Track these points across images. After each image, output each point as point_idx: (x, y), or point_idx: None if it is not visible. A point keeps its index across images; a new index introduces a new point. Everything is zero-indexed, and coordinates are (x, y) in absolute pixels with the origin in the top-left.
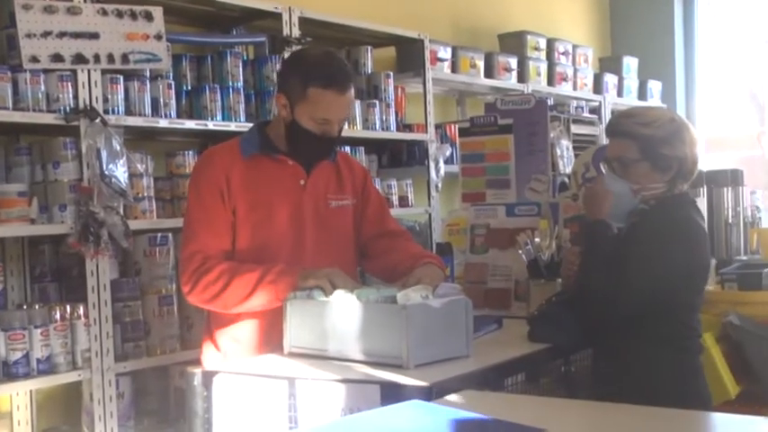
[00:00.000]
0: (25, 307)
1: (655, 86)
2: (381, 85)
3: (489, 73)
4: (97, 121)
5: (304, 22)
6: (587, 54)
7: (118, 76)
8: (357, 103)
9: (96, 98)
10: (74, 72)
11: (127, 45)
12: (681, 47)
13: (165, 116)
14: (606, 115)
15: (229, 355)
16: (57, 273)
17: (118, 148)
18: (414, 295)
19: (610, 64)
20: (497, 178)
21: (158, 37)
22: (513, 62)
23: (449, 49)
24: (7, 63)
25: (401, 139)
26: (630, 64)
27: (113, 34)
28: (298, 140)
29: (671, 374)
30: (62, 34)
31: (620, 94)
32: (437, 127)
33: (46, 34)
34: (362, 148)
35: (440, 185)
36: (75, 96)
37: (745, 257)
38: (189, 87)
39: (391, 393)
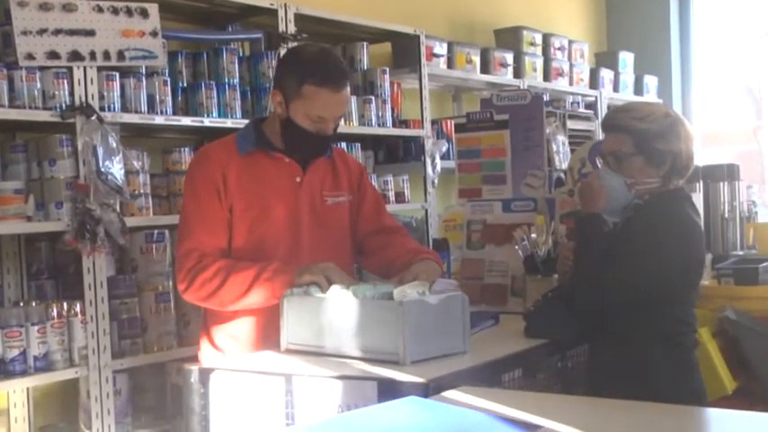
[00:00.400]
0: (22, 304)
1: (651, 81)
2: (377, 81)
3: (485, 68)
4: (93, 118)
5: (300, 19)
6: (583, 49)
7: (114, 73)
8: (353, 99)
9: (92, 95)
10: (70, 69)
11: (123, 42)
12: (677, 42)
13: (161, 113)
14: (602, 110)
15: (226, 352)
16: (53, 270)
17: (114, 145)
18: (410, 291)
19: (606, 59)
20: (493, 174)
21: (154, 34)
22: (510, 57)
23: (444, 45)
24: (3, 60)
25: (397, 134)
26: (626, 59)
27: (109, 31)
28: (293, 138)
29: (666, 370)
30: (58, 31)
31: (616, 89)
32: (433, 123)
33: (42, 31)
34: (359, 144)
35: (436, 181)
36: (71, 93)
37: (741, 252)
38: (185, 84)
39: (388, 390)
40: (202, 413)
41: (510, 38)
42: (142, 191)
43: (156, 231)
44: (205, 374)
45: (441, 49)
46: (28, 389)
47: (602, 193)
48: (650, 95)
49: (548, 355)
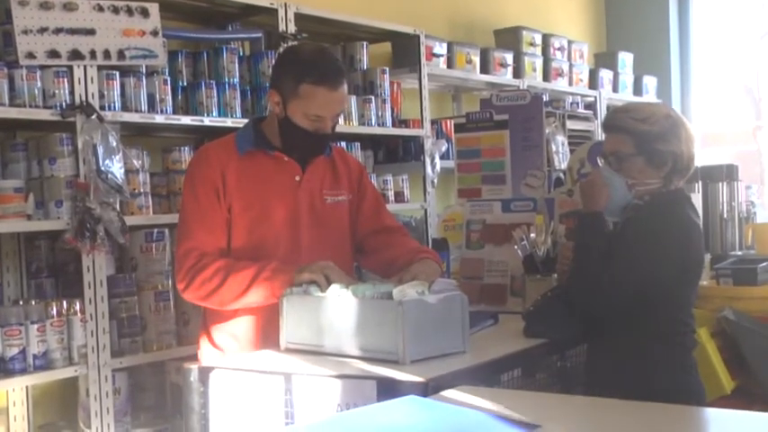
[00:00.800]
0: (21, 303)
1: (650, 82)
2: (377, 81)
3: (485, 68)
4: (93, 117)
5: (300, 18)
6: (582, 50)
7: (114, 72)
8: (353, 99)
9: (92, 94)
10: (70, 68)
11: (123, 41)
12: (676, 42)
13: (162, 112)
14: (601, 111)
15: (226, 351)
16: (53, 269)
17: (114, 144)
18: (410, 291)
19: (605, 59)
20: (493, 174)
21: (154, 33)
22: (509, 58)
23: (444, 45)
24: (3, 59)
25: (397, 134)
26: (626, 59)
27: (109, 30)
28: (291, 137)
29: (665, 370)
30: (58, 30)
31: (615, 89)
32: (433, 122)
33: (42, 30)
34: (358, 144)
35: (435, 181)
36: (72, 92)
37: (740, 252)
38: (185, 83)
39: (387, 389)
40: (202, 412)
41: (510, 38)
42: (142, 190)
43: (155, 230)
44: (205, 373)
45: (440, 48)
46: (27, 387)
47: (604, 192)
48: (649, 96)
49: (547, 355)
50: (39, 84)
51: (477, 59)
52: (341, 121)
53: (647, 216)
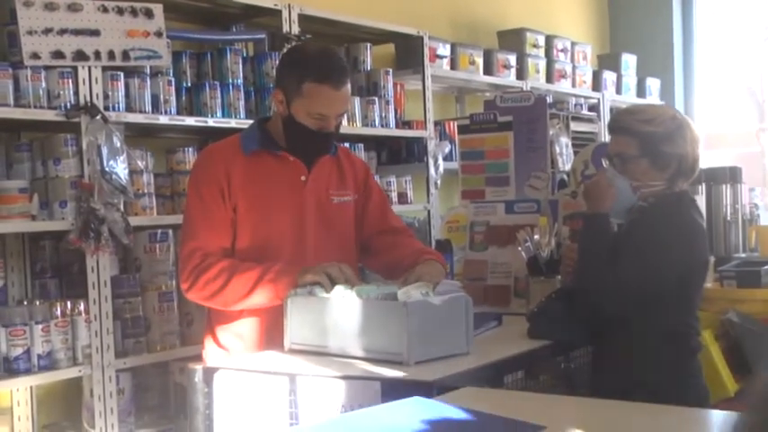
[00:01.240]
0: (26, 303)
1: (653, 84)
2: (381, 82)
3: (488, 70)
4: (98, 117)
5: (303, 19)
6: (586, 51)
7: (118, 72)
8: (356, 100)
9: (97, 95)
10: (74, 69)
11: (127, 42)
12: (679, 44)
13: (166, 113)
14: (605, 112)
15: (231, 352)
16: (57, 269)
17: (118, 144)
18: (414, 292)
19: (608, 61)
20: (497, 175)
21: (159, 34)
22: (512, 59)
23: (448, 46)
24: (8, 60)
25: (400, 135)
26: (629, 61)
27: (114, 31)
28: (295, 136)
29: (669, 372)
30: (63, 31)
31: (618, 91)
32: (436, 124)
33: (47, 31)
34: (362, 145)
35: (439, 182)
36: (76, 93)
37: (743, 255)
38: (189, 84)
39: (392, 390)
40: (206, 412)
41: (513, 39)
42: (146, 190)
43: (159, 231)
44: (209, 374)
45: (444, 50)
46: (31, 387)
47: (609, 193)
48: (653, 98)
49: (551, 357)
50: (43, 84)
51: (480, 61)
52: (344, 122)
53: (652, 218)
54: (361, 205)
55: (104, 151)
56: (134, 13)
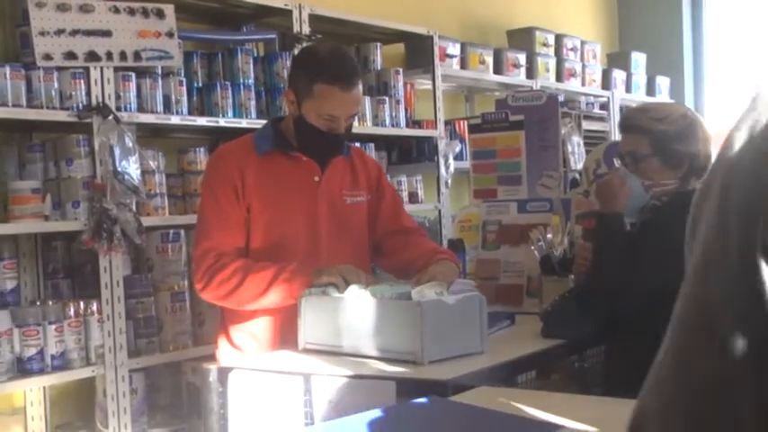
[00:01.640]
0: (39, 303)
1: (663, 82)
2: (391, 82)
3: (498, 69)
4: (110, 118)
5: (314, 19)
6: (595, 50)
7: (130, 73)
8: (367, 100)
9: (109, 95)
10: (86, 69)
11: (139, 42)
12: (689, 42)
13: (177, 113)
14: (615, 111)
15: (245, 351)
16: (69, 269)
17: (130, 145)
18: (428, 292)
19: (618, 60)
20: (509, 174)
21: (170, 34)
22: (522, 58)
23: (458, 46)
24: (21, 61)
25: (411, 135)
26: (638, 60)
27: (126, 32)
28: (306, 137)
29: None
30: (75, 32)
31: (628, 89)
32: (446, 123)
33: (59, 32)
34: (372, 145)
35: (449, 182)
36: (88, 93)
37: None
38: (200, 84)
39: (406, 390)
40: (221, 412)
41: (523, 38)
42: (158, 191)
43: (171, 231)
44: (224, 373)
45: (454, 49)
46: (45, 387)
47: (623, 192)
48: (662, 96)
49: (565, 356)
50: (56, 85)
51: (490, 60)
52: (355, 122)
53: (667, 217)
54: (374, 205)
55: (117, 152)
56: (145, 13)
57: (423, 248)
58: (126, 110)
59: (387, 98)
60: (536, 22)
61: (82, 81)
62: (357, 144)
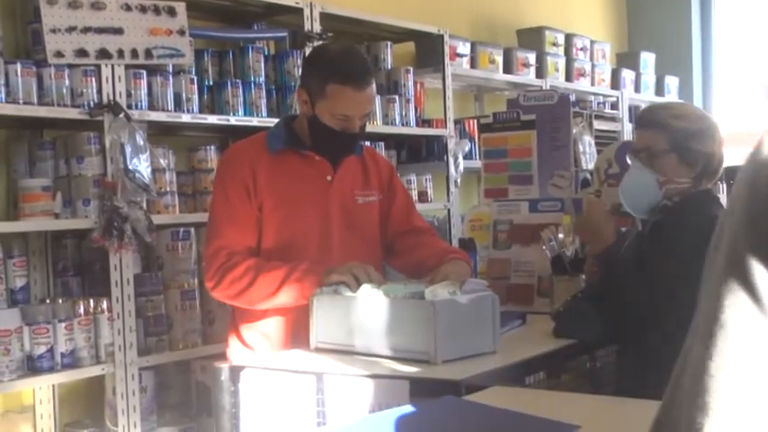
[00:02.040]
0: (48, 301)
1: (672, 82)
2: (401, 81)
3: (508, 68)
4: (121, 115)
5: (325, 18)
6: (605, 50)
7: (141, 71)
8: (377, 99)
9: (120, 93)
10: (98, 67)
11: (150, 40)
12: (698, 42)
13: (188, 111)
14: (624, 111)
15: (256, 350)
16: (79, 267)
17: (141, 142)
18: (441, 291)
19: (627, 59)
20: (520, 174)
21: (181, 32)
22: (532, 58)
23: (468, 45)
24: (32, 58)
25: (421, 134)
26: (648, 59)
27: (137, 29)
28: (320, 136)
29: None
30: (86, 29)
31: (637, 89)
32: (456, 122)
33: (70, 29)
34: (382, 144)
35: (459, 181)
36: (99, 91)
37: None
38: (211, 82)
39: (420, 389)
40: (233, 411)
41: (532, 38)
42: (168, 189)
43: (181, 229)
44: (236, 372)
45: (464, 48)
46: (54, 385)
47: (607, 222)
48: (671, 96)
49: (577, 356)
50: (67, 82)
51: (500, 59)
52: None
53: (680, 218)
54: (386, 205)
55: (127, 149)
56: (157, 11)
57: (434, 248)
58: (137, 108)
59: (397, 97)
60: (546, 21)
61: (93, 78)
62: (367, 143)
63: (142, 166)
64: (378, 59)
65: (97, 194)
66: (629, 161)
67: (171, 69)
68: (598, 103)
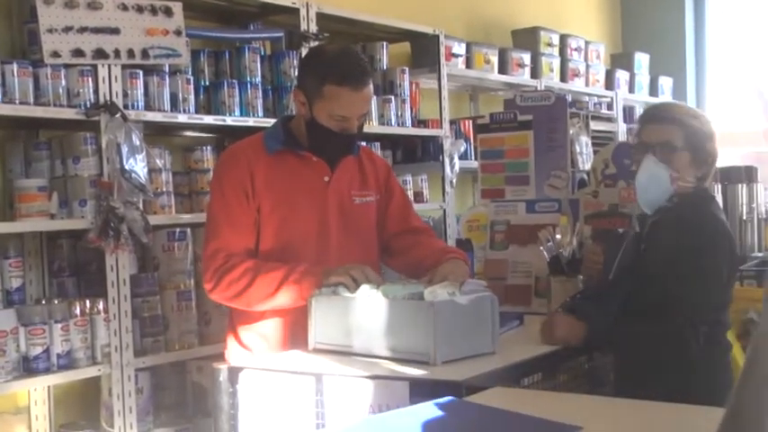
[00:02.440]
0: (44, 302)
1: (666, 83)
2: (397, 81)
3: (503, 69)
4: (117, 116)
5: (321, 18)
6: (599, 50)
7: (138, 71)
8: (373, 99)
9: (116, 93)
10: (94, 67)
11: (147, 40)
12: (692, 43)
13: (184, 111)
14: (619, 111)
15: (255, 351)
16: (75, 268)
17: (138, 143)
18: (441, 292)
19: (621, 60)
20: (516, 175)
21: (178, 32)
22: (527, 58)
23: (463, 45)
24: (29, 58)
25: (416, 134)
26: (642, 60)
27: (133, 29)
28: (318, 138)
29: (705, 370)
30: (83, 29)
31: (631, 90)
32: (451, 123)
33: (67, 29)
34: (378, 144)
35: (454, 181)
36: (96, 91)
37: (760, 254)
38: (207, 83)
39: (420, 390)
40: (231, 412)
41: (527, 38)
42: (165, 189)
43: (178, 230)
44: (234, 373)
45: (459, 49)
46: (49, 387)
47: (571, 326)
48: (665, 96)
49: (576, 356)
50: (63, 82)
51: (495, 60)
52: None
53: (678, 220)
54: (383, 205)
55: (124, 150)
56: (153, 11)
57: (432, 248)
58: (133, 108)
59: (393, 97)
60: (541, 22)
61: (89, 78)
62: (363, 143)
63: (138, 166)
64: (373, 60)
65: (93, 195)
66: (633, 155)
67: (167, 69)
68: (594, 104)
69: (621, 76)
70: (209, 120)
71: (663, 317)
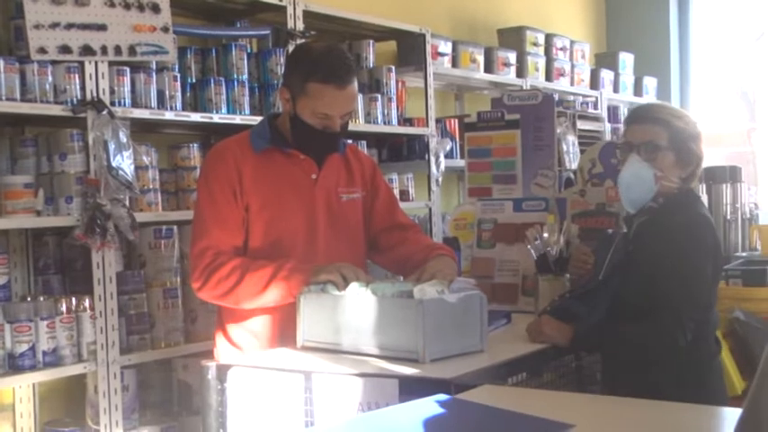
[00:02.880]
0: (30, 299)
1: (650, 83)
2: (383, 79)
3: (489, 68)
4: (104, 112)
5: (308, 16)
6: (584, 50)
7: (124, 68)
8: (359, 97)
9: (103, 90)
10: (81, 63)
11: (134, 37)
12: (676, 43)
13: (171, 108)
14: (603, 111)
15: (244, 349)
16: (60, 265)
17: (124, 140)
18: (429, 290)
19: (606, 60)
20: (503, 173)
21: (165, 29)
22: (512, 57)
23: (449, 44)
24: (15, 54)
25: (402, 133)
26: (626, 60)
27: (121, 26)
28: (301, 135)
29: (692, 370)
30: (70, 26)
31: (615, 89)
32: (437, 121)
33: (54, 25)
34: (364, 142)
35: (440, 180)
36: (83, 88)
37: (744, 254)
38: (193, 80)
39: (409, 388)
40: (219, 410)
41: (513, 37)
42: (151, 186)
43: (164, 227)
44: (223, 371)
45: (446, 47)
46: (34, 384)
47: (559, 329)
48: (649, 96)
49: (563, 355)
50: (50, 79)
51: (480, 59)
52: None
53: (665, 220)
54: (369, 202)
55: (111, 147)
56: (141, 7)
57: (419, 244)
58: (120, 105)
59: (379, 96)
60: (526, 21)
61: (76, 75)
62: (349, 141)
63: (125, 163)
64: (360, 58)
65: (80, 192)
66: (618, 155)
67: (154, 66)
68: (581, 103)
69: (606, 75)
70: (195, 117)
71: (650, 317)
